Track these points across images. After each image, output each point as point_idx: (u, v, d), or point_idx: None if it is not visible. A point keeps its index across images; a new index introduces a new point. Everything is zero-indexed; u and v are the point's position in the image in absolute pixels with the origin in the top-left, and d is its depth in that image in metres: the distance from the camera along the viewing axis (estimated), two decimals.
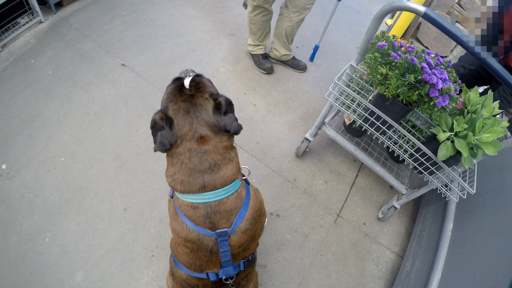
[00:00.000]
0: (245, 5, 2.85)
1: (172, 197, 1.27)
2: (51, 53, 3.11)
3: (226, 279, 1.25)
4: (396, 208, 2.26)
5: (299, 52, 3.42)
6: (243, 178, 1.31)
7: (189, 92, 1.16)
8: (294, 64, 3.20)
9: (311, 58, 3.30)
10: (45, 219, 2.27)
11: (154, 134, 1.13)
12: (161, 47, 3.25)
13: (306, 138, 2.38)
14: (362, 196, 2.54)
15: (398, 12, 3.52)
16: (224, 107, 1.13)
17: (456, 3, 3.38)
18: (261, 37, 2.99)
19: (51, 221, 2.26)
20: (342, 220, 2.41)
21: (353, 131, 2.24)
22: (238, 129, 1.14)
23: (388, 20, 3.92)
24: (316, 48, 3.20)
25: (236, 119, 1.17)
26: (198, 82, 1.19)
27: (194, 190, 1.12)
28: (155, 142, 1.12)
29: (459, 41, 1.32)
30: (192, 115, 1.10)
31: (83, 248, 2.17)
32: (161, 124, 1.09)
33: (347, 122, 2.25)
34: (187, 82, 1.20)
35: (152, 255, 2.15)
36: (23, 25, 3.21)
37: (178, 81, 1.22)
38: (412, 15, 3.41)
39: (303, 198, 2.47)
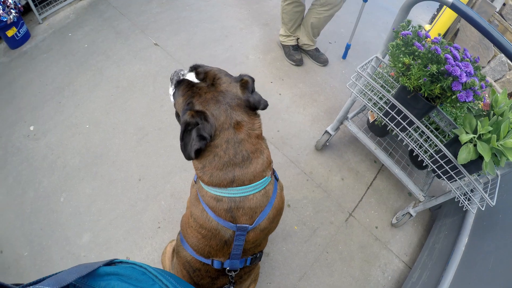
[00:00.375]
0: None
1: (195, 182, 1.24)
2: (88, 29, 3.27)
3: (229, 271, 1.23)
4: (411, 215, 2.20)
5: (331, 48, 3.42)
6: (273, 173, 1.24)
7: (205, 84, 1.09)
8: (315, 56, 3.19)
9: (344, 56, 3.27)
10: (63, 180, 2.38)
11: (186, 141, 1.03)
12: (195, 30, 3.33)
13: (327, 131, 2.36)
14: (378, 198, 2.49)
15: (436, 17, 3.49)
16: (251, 85, 1.11)
17: (497, 12, 3.26)
18: (292, 27, 3.01)
19: (68, 182, 2.37)
20: (354, 220, 2.37)
21: (376, 129, 2.22)
22: (266, 105, 1.12)
23: (426, 26, 3.87)
24: (347, 47, 3.19)
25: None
26: (206, 71, 1.13)
27: (222, 184, 1.07)
28: (184, 148, 1.04)
29: (488, 35, 1.29)
30: (224, 102, 1.04)
31: (94, 211, 2.25)
32: (195, 121, 1.01)
33: (371, 120, 2.22)
34: (191, 77, 1.13)
35: (158, 227, 2.19)
36: (64, 0, 3.38)
37: (182, 81, 1.13)
38: (450, 21, 3.36)
39: (317, 192, 2.44)
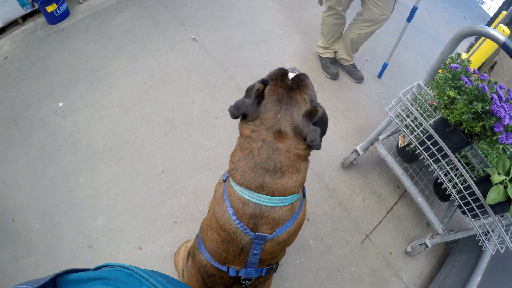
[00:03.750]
0: (320, 2, 2.95)
1: (224, 181, 1.25)
2: (128, 15, 3.39)
3: (244, 279, 1.24)
4: (427, 246, 2.25)
5: (367, 65, 3.47)
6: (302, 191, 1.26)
7: (290, 84, 1.14)
8: (351, 72, 3.24)
9: (379, 75, 3.32)
10: (85, 160, 2.49)
11: (244, 96, 1.13)
12: (234, 31, 3.43)
13: (356, 150, 2.42)
14: (396, 224, 2.54)
15: (474, 47, 3.53)
16: (317, 117, 1.09)
17: None
18: (331, 40, 3.06)
19: (91, 164, 2.47)
20: (370, 242, 2.43)
21: (404, 155, 2.27)
22: (316, 144, 1.09)
23: (463, 54, 3.91)
24: (384, 66, 3.23)
25: (321, 136, 1.12)
26: (302, 80, 1.17)
27: (252, 187, 1.09)
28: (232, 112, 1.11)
29: None
30: (283, 105, 1.07)
31: (112, 196, 2.35)
32: (249, 94, 1.09)
33: (401, 145, 2.27)
34: (291, 74, 1.20)
35: (175, 221, 2.27)
36: None
37: (282, 69, 1.21)
38: (489, 52, 3.39)
39: (337, 210, 2.50)
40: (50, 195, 2.36)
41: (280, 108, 1.07)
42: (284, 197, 1.11)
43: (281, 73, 1.18)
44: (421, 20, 4.20)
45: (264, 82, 1.12)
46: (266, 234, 1.12)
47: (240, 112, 1.08)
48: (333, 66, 3.19)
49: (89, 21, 3.34)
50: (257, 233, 1.11)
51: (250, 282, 1.25)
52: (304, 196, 1.28)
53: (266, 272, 1.30)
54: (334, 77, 3.19)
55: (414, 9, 2.69)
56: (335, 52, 3.18)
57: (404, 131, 1.95)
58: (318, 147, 1.10)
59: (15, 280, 2.11)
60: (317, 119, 1.10)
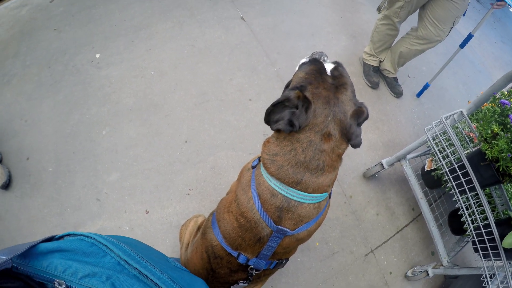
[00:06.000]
0: (379, 9, 2.94)
1: (253, 167, 1.25)
2: None
3: (251, 268, 1.25)
4: (428, 274, 2.26)
5: (408, 82, 3.46)
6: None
7: (331, 81, 1.11)
8: (392, 85, 3.24)
9: (419, 94, 3.31)
10: (111, 115, 2.55)
11: (275, 110, 1.07)
12: (283, 18, 3.44)
13: (381, 164, 2.45)
14: (402, 246, 2.56)
15: None
16: (363, 117, 1.11)
17: None
18: (379, 48, 3.07)
19: (116, 119, 2.54)
20: (373, 257, 2.45)
21: (428, 179, 2.28)
22: (359, 144, 1.13)
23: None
24: (426, 86, 3.22)
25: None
26: (341, 75, 1.15)
27: (286, 181, 1.10)
28: (269, 114, 1.08)
29: None
30: (332, 108, 1.06)
31: (131, 155, 2.41)
32: (295, 103, 1.04)
33: (427, 168, 2.28)
34: (328, 68, 1.16)
35: (188, 193, 2.33)
36: None
37: (317, 63, 1.17)
38: None
39: (349, 218, 2.52)
40: (70, 141, 2.43)
41: (330, 111, 1.06)
42: (315, 195, 1.12)
43: (318, 70, 1.14)
44: (470, 49, 4.16)
45: (301, 88, 1.08)
46: (288, 229, 1.13)
47: (296, 127, 1.05)
48: (375, 75, 3.20)
49: None
50: (279, 227, 1.12)
51: (256, 272, 1.27)
52: (329, 196, 1.29)
53: (275, 266, 1.32)
54: (374, 86, 3.20)
55: (469, 36, 2.68)
56: (380, 61, 3.19)
57: (437, 155, 1.96)
58: (359, 145, 1.13)
59: (18, 217, 2.20)
60: (362, 119, 1.12)
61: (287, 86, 1.25)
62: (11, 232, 2.15)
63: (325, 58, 1.24)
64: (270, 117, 1.08)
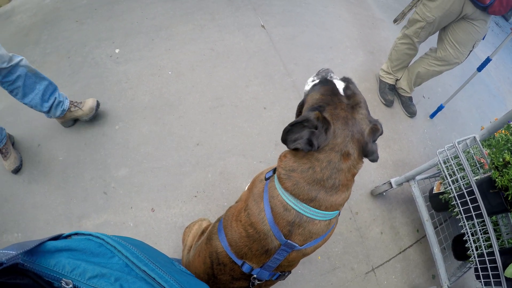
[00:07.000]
0: (396, 21, 2.96)
1: (266, 179, 1.26)
2: None
3: (254, 278, 1.26)
4: None
5: (423, 103, 3.48)
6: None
7: (347, 101, 1.14)
8: (406, 104, 3.26)
9: (432, 115, 3.33)
10: (126, 110, 2.60)
11: (293, 130, 1.09)
12: (303, 29, 3.48)
13: (390, 183, 2.46)
14: (404, 267, 2.56)
15: None
16: (378, 134, 1.14)
17: None
18: (397, 67, 3.09)
19: (130, 115, 2.58)
20: (373, 276, 2.45)
21: (435, 201, 2.29)
22: (377, 159, 1.15)
23: None
24: (440, 108, 3.24)
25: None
26: (354, 93, 1.17)
27: (301, 198, 1.11)
28: (286, 133, 1.09)
29: None
30: (350, 128, 1.08)
31: (142, 152, 2.45)
32: (315, 124, 1.06)
33: (435, 191, 2.29)
34: (339, 86, 1.19)
35: (195, 196, 2.35)
36: None
37: (330, 83, 1.20)
38: None
39: (353, 234, 2.53)
40: (82, 132, 2.47)
41: (348, 131, 1.08)
42: (327, 212, 1.13)
43: (332, 90, 1.17)
44: (486, 73, 4.18)
45: (320, 109, 1.10)
46: (297, 244, 1.14)
47: (315, 147, 1.06)
48: (390, 93, 3.21)
49: None
50: (288, 241, 1.14)
51: (258, 282, 1.28)
52: (339, 214, 1.30)
53: (277, 278, 1.34)
54: (389, 104, 3.21)
55: (487, 60, 2.69)
56: (397, 80, 3.21)
57: (446, 179, 1.97)
58: (375, 159, 1.15)
59: (22, 202, 2.23)
60: (378, 135, 1.14)
61: (301, 106, 1.28)
62: (15, 216, 2.19)
63: (332, 75, 1.27)
64: (288, 136, 1.09)
